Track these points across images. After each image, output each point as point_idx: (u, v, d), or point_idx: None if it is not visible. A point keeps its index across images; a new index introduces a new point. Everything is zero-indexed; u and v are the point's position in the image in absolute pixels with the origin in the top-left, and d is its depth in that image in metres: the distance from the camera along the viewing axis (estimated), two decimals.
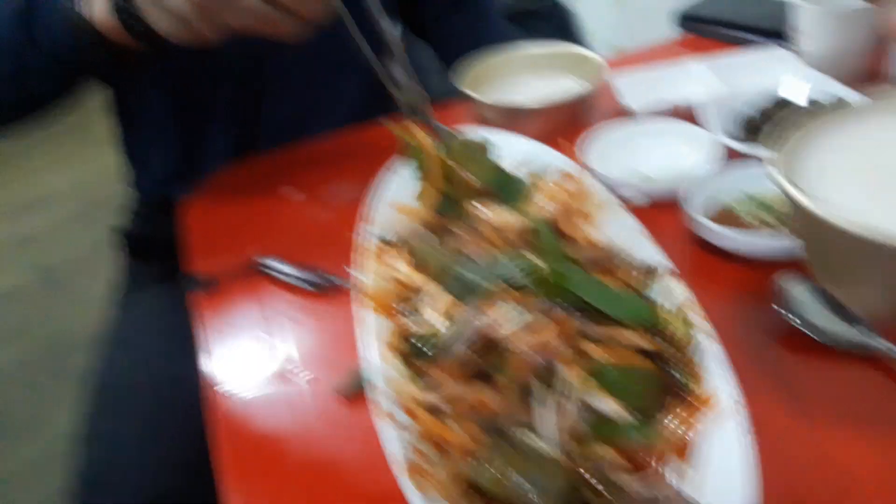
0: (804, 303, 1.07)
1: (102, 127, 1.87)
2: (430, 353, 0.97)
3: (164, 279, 1.71)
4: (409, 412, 0.89)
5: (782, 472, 0.75)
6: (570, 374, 0.86)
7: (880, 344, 0.98)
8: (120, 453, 1.37)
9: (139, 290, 1.78)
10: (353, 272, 1.08)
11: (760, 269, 1.16)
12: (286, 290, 1.28)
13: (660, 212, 1.32)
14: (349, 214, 1.38)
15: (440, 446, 0.88)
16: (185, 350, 1.27)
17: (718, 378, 0.86)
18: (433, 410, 0.90)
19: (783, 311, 1.05)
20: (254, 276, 1.32)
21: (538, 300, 0.95)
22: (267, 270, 1.32)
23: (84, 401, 1.49)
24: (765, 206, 1.25)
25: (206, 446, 1.10)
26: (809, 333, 1.02)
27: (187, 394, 1.22)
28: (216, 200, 1.59)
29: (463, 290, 0.99)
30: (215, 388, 1.10)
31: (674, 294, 0.98)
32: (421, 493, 0.76)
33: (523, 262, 0.99)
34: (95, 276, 2.82)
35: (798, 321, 1.04)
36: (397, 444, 0.82)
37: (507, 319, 0.92)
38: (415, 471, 0.79)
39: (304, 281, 1.27)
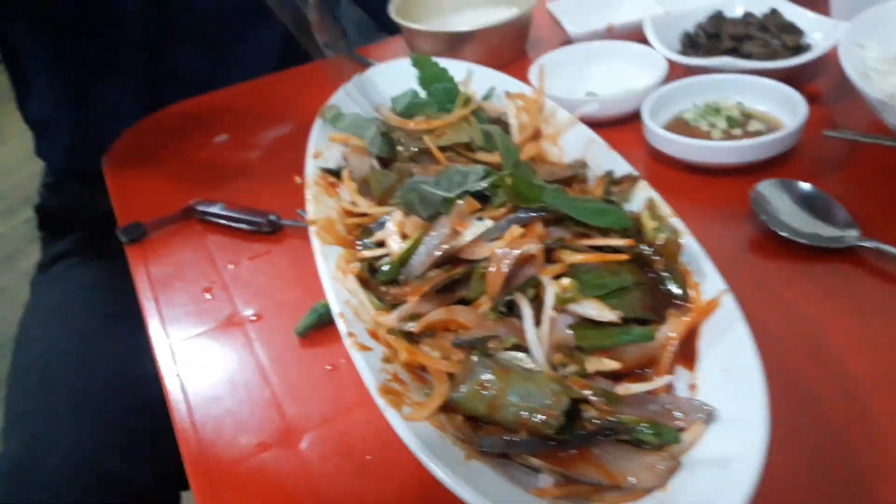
0: (780, 207, 1.02)
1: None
2: (394, 277, 0.88)
3: (83, 251, 1.56)
4: (380, 340, 0.80)
5: (780, 369, 0.69)
6: (553, 284, 0.78)
7: (859, 239, 0.94)
8: (48, 435, 1.23)
9: (57, 266, 1.62)
10: (299, 210, 0.97)
11: (730, 179, 1.12)
12: (227, 234, 1.16)
13: (617, 131, 1.25)
14: (283, 153, 1.27)
15: (417, 374, 0.79)
16: (114, 320, 1.14)
17: (711, 281, 0.79)
18: (405, 336, 0.82)
19: (761, 217, 1.00)
20: (192, 223, 1.20)
21: (505, 209, 0.87)
22: (205, 216, 1.19)
23: (7, 386, 1.33)
24: (717, 112, 1.20)
25: (142, 420, 0.99)
26: (788, 235, 0.98)
27: (120, 365, 1.10)
28: (139, 152, 1.44)
29: (420, 207, 0.90)
30: (162, 340, 0.98)
31: (653, 203, 0.91)
32: (398, 412, 0.68)
33: (481, 168, 0.90)
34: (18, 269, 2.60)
35: (776, 225, 0.99)
36: (369, 371, 0.73)
37: (473, 232, 0.83)
38: (389, 393, 0.70)
39: (245, 223, 1.15)
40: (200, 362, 0.94)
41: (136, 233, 1.17)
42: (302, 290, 1.01)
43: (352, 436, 0.80)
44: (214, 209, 1.18)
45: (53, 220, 1.70)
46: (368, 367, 0.73)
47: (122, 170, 1.38)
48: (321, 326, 0.94)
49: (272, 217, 1.13)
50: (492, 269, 0.79)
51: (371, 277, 0.89)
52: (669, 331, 0.75)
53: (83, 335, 1.31)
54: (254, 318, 0.99)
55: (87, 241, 1.60)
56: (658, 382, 0.71)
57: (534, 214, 0.86)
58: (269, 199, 1.19)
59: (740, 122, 1.18)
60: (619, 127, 1.27)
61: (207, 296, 1.05)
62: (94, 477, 1.09)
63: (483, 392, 0.71)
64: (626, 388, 0.72)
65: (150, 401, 0.94)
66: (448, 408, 0.74)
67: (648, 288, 0.81)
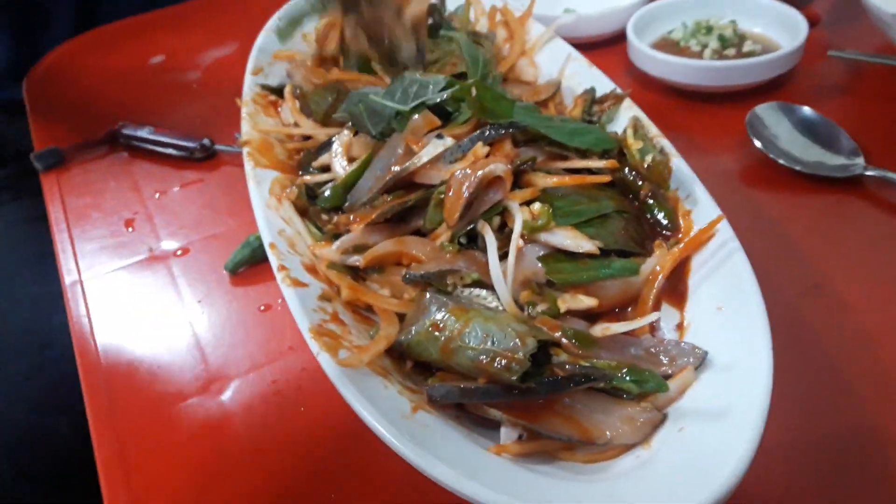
0: (779, 133, 0.91)
1: None
2: (337, 204, 0.75)
3: (11, 187, 1.40)
4: (318, 275, 0.68)
5: (777, 308, 0.59)
6: (522, 211, 0.66)
7: (864, 167, 0.83)
8: None
9: None
10: (237, 133, 0.84)
11: (723, 105, 1.00)
12: (156, 160, 1.03)
13: (599, 54, 1.13)
14: (225, 74, 1.13)
15: (362, 315, 0.68)
16: (36, 261, 1.01)
17: (704, 208, 0.68)
18: (349, 271, 0.70)
19: (758, 142, 0.89)
20: (118, 149, 1.06)
21: (469, 126, 0.75)
22: (132, 141, 1.05)
23: None
24: (709, 31, 1.07)
25: (59, 367, 0.87)
26: (787, 163, 0.87)
27: (37, 310, 0.97)
28: (65, 74, 1.28)
29: (369, 122, 0.77)
30: (73, 277, 0.85)
31: (638, 122, 0.79)
32: (333, 357, 0.56)
33: (442, 78, 0.77)
34: None
35: (774, 152, 0.88)
36: (301, 309, 0.61)
37: (430, 151, 0.71)
38: (325, 335, 0.59)
39: (176, 147, 1.01)
40: (115, 302, 0.81)
41: (52, 159, 1.03)
42: (236, 221, 0.89)
43: (284, 384, 0.69)
44: (142, 133, 1.04)
45: None
46: (301, 306, 0.62)
47: (43, 91, 1.23)
48: (255, 262, 0.82)
49: (205, 142, 1.00)
50: (451, 193, 0.67)
51: (311, 205, 0.76)
52: (656, 264, 0.64)
53: (0, 279, 1.18)
54: (179, 252, 0.87)
55: (15, 178, 1.45)
56: (641, 321, 0.60)
57: (502, 131, 0.74)
58: (206, 124, 1.06)
59: (734, 43, 1.06)
60: (602, 49, 1.15)
61: (129, 228, 0.92)
62: (6, 429, 0.97)
63: (436, 334, 0.59)
64: (603, 330, 0.61)
65: (66, 347, 0.82)
66: (396, 352, 0.63)
67: (632, 216, 0.70)
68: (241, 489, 0.62)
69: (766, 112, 0.92)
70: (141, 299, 0.81)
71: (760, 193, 0.86)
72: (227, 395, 0.68)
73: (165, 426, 0.67)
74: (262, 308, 0.78)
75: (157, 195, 0.96)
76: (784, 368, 0.55)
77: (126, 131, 1.05)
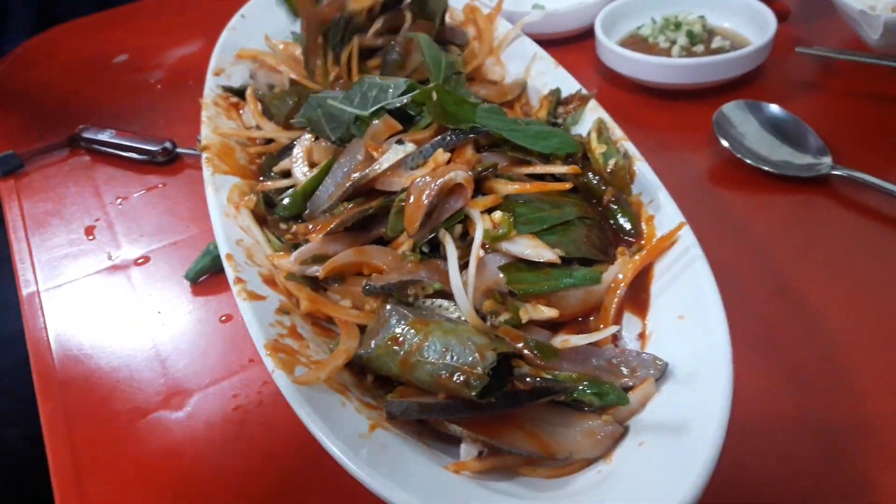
0: (746, 132, 0.91)
1: None
2: (296, 212, 0.74)
3: None
4: (277, 287, 0.67)
5: (742, 312, 0.58)
6: (483, 219, 0.65)
7: (832, 167, 0.83)
8: None
9: None
10: (199, 136, 0.82)
11: (691, 103, 1.00)
12: (117, 165, 1.00)
13: (567, 51, 1.12)
14: (189, 74, 1.11)
15: (322, 327, 0.67)
16: None
17: (667, 213, 0.67)
18: (308, 282, 0.68)
19: (725, 142, 0.89)
20: (79, 154, 1.03)
21: (430, 131, 0.74)
22: (92, 145, 1.03)
23: None
24: (677, 28, 1.07)
25: (11, 378, 0.85)
26: (754, 163, 0.86)
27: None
28: (23, 75, 1.25)
29: (328, 127, 0.75)
30: (30, 288, 0.83)
31: (602, 124, 0.78)
32: (289, 374, 0.55)
33: (402, 81, 0.76)
34: None
35: (741, 151, 0.88)
36: (257, 324, 0.60)
37: (391, 158, 0.70)
38: (280, 350, 0.58)
39: (137, 151, 0.99)
40: (73, 314, 0.80)
41: (9, 164, 1.01)
42: (198, 227, 0.87)
43: (245, 398, 0.68)
44: (103, 136, 1.01)
45: None
46: (257, 320, 0.60)
47: (3, 92, 1.20)
48: (216, 271, 0.80)
49: (167, 145, 0.98)
50: (411, 201, 0.66)
51: (269, 213, 0.75)
52: (618, 272, 0.64)
53: None
54: (140, 260, 0.85)
55: None
56: (601, 334, 0.60)
57: (463, 137, 0.73)
58: (170, 126, 1.04)
59: (703, 39, 1.05)
60: (570, 46, 1.14)
61: (89, 237, 0.90)
62: None
63: (395, 348, 0.58)
64: (563, 342, 0.60)
65: (18, 359, 0.80)
66: (356, 366, 0.62)
67: (595, 222, 0.69)
68: None
69: (733, 111, 0.92)
70: (100, 311, 0.79)
71: (727, 193, 0.86)
72: (186, 411, 0.67)
73: (123, 442, 0.66)
74: (223, 319, 0.76)
75: (118, 201, 0.94)
76: (749, 374, 0.55)
77: (87, 135, 1.03)
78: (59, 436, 0.66)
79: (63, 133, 1.05)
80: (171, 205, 0.92)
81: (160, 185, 0.96)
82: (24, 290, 0.83)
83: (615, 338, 0.62)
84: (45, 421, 0.68)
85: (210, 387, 0.69)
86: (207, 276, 0.80)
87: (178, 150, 0.98)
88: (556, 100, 0.86)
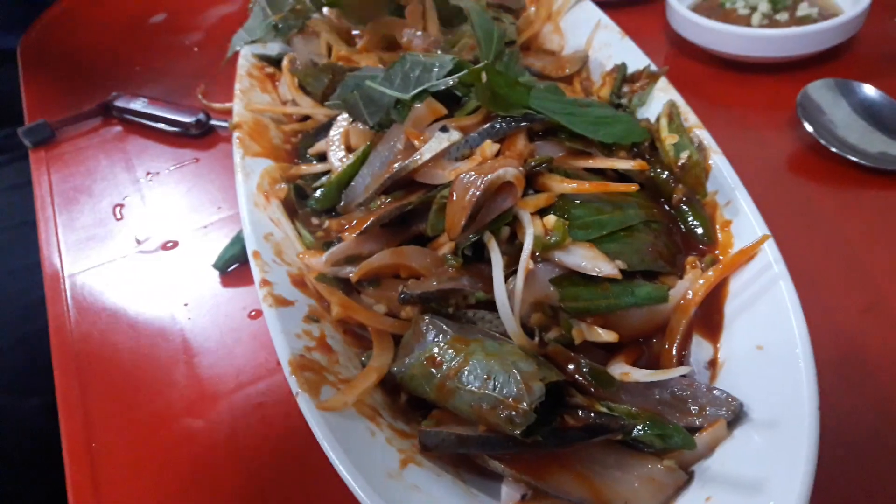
0: (835, 117, 0.80)
1: None
2: (330, 205, 0.68)
3: (11, 148, 1.34)
4: (307, 289, 0.61)
5: (829, 332, 0.50)
6: (534, 222, 0.58)
7: None
8: None
9: None
10: (228, 120, 0.76)
11: (773, 78, 0.89)
12: (150, 136, 0.95)
13: (634, 14, 1.02)
14: (221, 34, 1.04)
15: (354, 333, 0.61)
16: (21, 230, 0.95)
17: (746, 219, 0.59)
18: (341, 284, 0.63)
19: (810, 127, 0.79)
20: (109, 122, 0.99)
21: (479, 117, 0.66)
22: (125, 114, 0.98)
23: None
24: None
25: (32, 347, 0.82)
26: (842, 152, 0.76)
27: (13, 286, 0.92)
28: (61, 35, 1.21)
29: (365, 110, 0.68)
30: (54, 274, 0.80)
31: (674, 108, 0.69)
32: (313, 398, 0.50)
33: (449, 59, 0.68)
34: None
35: (828, 139, 0.78)
36: (283, 337, 0.54)
37: (433, 147, 0.62)
38: (307, 368, 0.52)
39: (169, 122, 0.94)
40: (97, 303, 0.76)
41: (41, 134, 0.97)
42: (229, 209, 0.82)
43: (272, 408, 0.63)
44: (135, 105, 0.96)
45: None
46: (282, 330, 0.55)
47: (38, 56, 1.16)
48: (246, 261, 0.74)
49: (201, 117, 0.92)
50: (454, 200, 0.59)
51: (301, 205, 0.69)
52: (688, 289, 0.56)
53: None
54: (169, 245, 0.80)
55: (16, 137, 1.39)
56: (670, 373, 0.52)
57: (515, 125, 0.65)
58: (206, 93, 0.98)
59: (787, 6, 0.94)
60: (637, 9, 1.03)
61: (118, 216, 0.85)
62: None
63: (432, 370, 0.52)
64: (624, 374, 0.53)
65: (41, 327, 0.76)
66: (389, 384, 0.57)
67: (662, 227, 0.61)
68: None
69: (820, 91, 0.81)
70: (125, 301, 0.75)
71: (809, 187, 0.76)
72: (209, 419, 0.63)
73: (144, 448, 0.62)
74: (252, 314, 0.71)
75: (148, 177, 0.90)
76: (831, 401, 0.48)
77: (119, 103, 0.98)
78: (77, 441, 0.63)
79: (96, 99, 1.00)
80: (202, 182, 0.87)
81: (192, 160, 0.91)
82: (49, 275, 0.79)
83: (680, 355, 0.55)
84: (64, 418, 0.65)
85: (235, 393, 0.65)
86: (237, 266, 0.75)
87: (213, 122, 0.93)
88: (622, 77, 0.77)
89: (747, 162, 0.62)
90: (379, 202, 0.64)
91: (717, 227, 0.61)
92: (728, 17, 0.94)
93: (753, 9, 0.94)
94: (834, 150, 0.77)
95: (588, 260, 0.56)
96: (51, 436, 0.81)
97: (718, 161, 0.63)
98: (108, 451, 0.62)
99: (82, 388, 0.67)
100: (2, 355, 0.92)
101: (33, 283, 0.85)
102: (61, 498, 0.60)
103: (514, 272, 0.57)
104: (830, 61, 0.89)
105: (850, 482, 0.53)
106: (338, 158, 0.70)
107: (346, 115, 0.73)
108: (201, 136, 0.93)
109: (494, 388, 0.49)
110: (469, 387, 0.50)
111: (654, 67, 0.76)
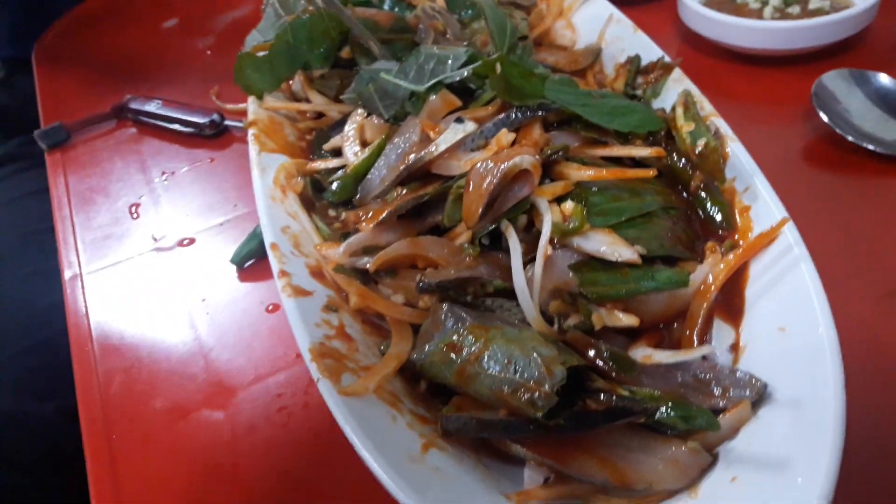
0: (850, 106, 0.80)
1: None
2: (346, 197, 0.68)
3: (27, 155, 1.36)
4: (325, 280, 0.61)
5: (843, 315, 0.50)
6: (551, 210, 0.58)
7: None
8: None
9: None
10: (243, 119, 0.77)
11: (786, 71, 0.89)
12: (164, 137, 0.96)
13: (645, 11, 1.02)
14: (234, 38, 1.05)
15: (372, 323, 0.61)
16: (37, 236, 0.96)
17: (765, 204, 0.59)
18: (358, 275, 0.63)
19: (825, 117, 0.78)
20: (123, 124, 1.00)
21: (493, 108, 0.66)
22: (139, 116, 0.99)
23: None
24: None
25: (48, 352, 0.82)
26: (857, 141, 0.76)
27: (29, 289, 0.92)
28: (75, 40, 1.22)
29: (380, 103, 0.69)
30: (72, 271, 0.80)
31: (689, 98, 0.69)
32: (334, 384, 0.50)
33: (463, 51, 0.68)
34: None
35: (844, 128, 0.78)
36: (303, 325, 0.55)
37: (449, 138, 0.63)
38: (326, 355, 0.52)
39: (183, 123, 0.95)
40: (115, 300, 0.76)
41: (57, 137, 0.98)
42: (245, 206, 0.83)
43: (290, 399, 0.63)
44: (150, 107, 0.97)
45: (3, 119, 1.50)
46: (302, 319, 0.55)
47: (53, 60, 1.17)
48: (263, 255, 0.74)
49: (215, 117, 0.93)
50: (471, 189, 0.59)
51: (317, 198, 0.69)
52: (708, 273, 0.56)
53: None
54: (186, 242, 0.81)
55: (31, 144, 1.40)
56: (693, 353, 0.52)
57: (530, 114, 0.65)
58: (220, 94, 0.98)
59: None
60: (649, 5, 1.03)
61: (134, 215, 0.86)
62: None
63: (452, 356, 0.52)
64: (644, 357, 0.53)
65: (57, 331, 0.77)
66: (409, 371, 0.57)
67: (680, 213, 0.61)
68: None
69: (835, 81, 0.81)
70: (143, 297, 0.76)
71: (826, 176, 0.76)
72: (228, 411, 0.63)
73: (161, 441, 0.62)
74: (270, 308, 0.72)
75: (164, 177, 0.90)
76: (856, 400, 0.47)
77: (133, 105, 0.99)
78: (97, 434, 0.63)
79: (111, 102, 1.01)
80: (217, 182, 0.88)
81: (207, 160, 0.91)
82: (67, 273, 0.79)
83: (702, 339, 0.55)
84: (84, 411, 0.65)
85: (253, 385, 0.65)
86: (254, 261, 0.76)
87: (227, 122, 0.93)
88: (636, 69, 0.77)
89: (763, 153, 0.62)
90: (395, 193, 0.64)
91: (737, 212, 0.60)
92: (740, 11, 0.94)
93: (765, 2, 0.94)
94: (850, 138, 0.77)
95: (608, 245, 0.56)
96: (68, 441, 0.82)
97: (735, 148, 0.63)
98: (127, 443, 0.62)
99: (101, 383, 0.67)
100: (18, 359, 0.93)
101: (50, 287, 0.86)
102: None
103: (532, 259, 0.57)
104: (843, 53, 0.89)
105: (874, 460, 0.53)
106: (353, 153, 0.70)
107: (360, 111, 0.73)
108: (216, 137, 0.94)
109: (515, 372, 0.49)
110: (490, 371, 0.50)
111: (667, 59, 0.76)
